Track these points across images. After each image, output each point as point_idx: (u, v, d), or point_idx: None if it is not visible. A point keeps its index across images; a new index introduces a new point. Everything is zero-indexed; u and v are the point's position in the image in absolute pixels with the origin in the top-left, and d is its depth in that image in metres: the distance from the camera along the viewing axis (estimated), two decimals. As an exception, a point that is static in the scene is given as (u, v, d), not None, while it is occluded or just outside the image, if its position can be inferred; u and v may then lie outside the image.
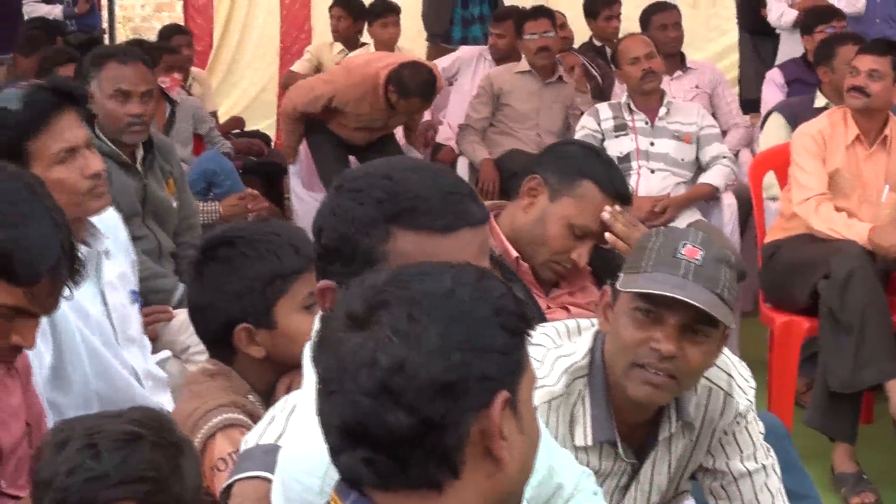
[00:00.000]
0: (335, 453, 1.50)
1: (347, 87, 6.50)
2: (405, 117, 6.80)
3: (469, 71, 7.60)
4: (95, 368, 3.04)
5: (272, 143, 7.82)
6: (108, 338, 3.18)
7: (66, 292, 2.46)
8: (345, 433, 1.45)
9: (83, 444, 1.80)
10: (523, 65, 6.80)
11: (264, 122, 8.33)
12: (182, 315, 3.96)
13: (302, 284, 2.44)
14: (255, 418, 2.33)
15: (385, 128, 6.74)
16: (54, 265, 2.32)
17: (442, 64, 7.50)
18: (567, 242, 3.07)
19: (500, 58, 7.38)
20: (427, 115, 7.34)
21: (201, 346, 3.87)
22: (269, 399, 2.46)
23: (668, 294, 2.26)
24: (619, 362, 2.26)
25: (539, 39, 6.64)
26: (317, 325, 1.82)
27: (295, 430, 2.00)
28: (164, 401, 3.33)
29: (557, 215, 3.04)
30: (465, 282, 1.45)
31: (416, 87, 6.25)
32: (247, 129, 7.94)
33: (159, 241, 4.39)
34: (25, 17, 8.16)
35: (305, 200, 6.74)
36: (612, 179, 3.19)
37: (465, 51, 7.87)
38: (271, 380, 2.50)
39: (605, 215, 3.14)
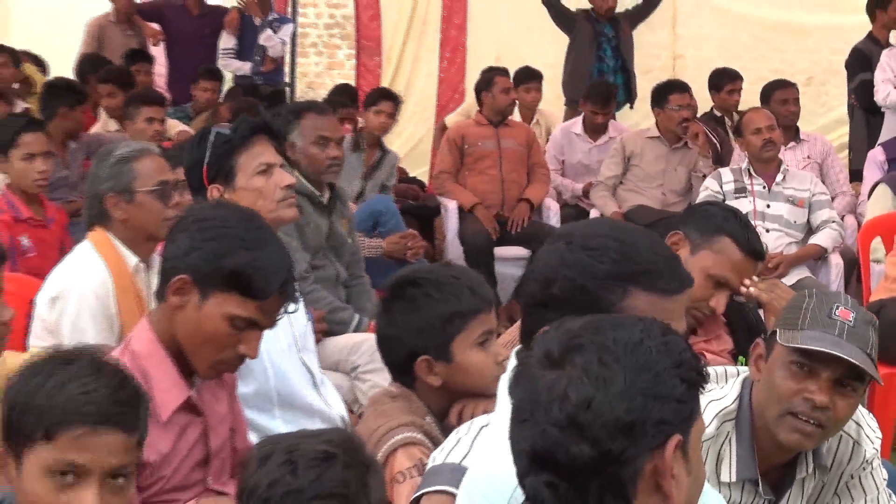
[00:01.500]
0: (522, 475, 1.55)
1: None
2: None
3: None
4: (276, 369, 3.11)
5: (425, 189, 7.99)
6: (289, 344, 3.23)
7: (290, 307, 2.62)
8: (533, 458, 1.50)
9: (283, 459, 1.85)
10: (653, 131, 6.95)
11: (419, 170, 8.50)
12: (354, 338, 4.27)
13: (477, 324, 2.50)
14: (432, 438, 2.40)
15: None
16: (283, 284, 2.48)
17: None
18: (706, 291, 3.09)
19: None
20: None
21: (368, 367, 4.06)
22: (442, 421, 2.51)
23: (827, 350, 2.26)
24: (771, 410, 2.26)
25: (683, 111, 6.84)
26: (513, 360, 1.94)
27: (483, 453, 2.02)
28: (333, 402, 3.38)
29: (698, 267, 3.01)
30: (653, 335, 1.50)
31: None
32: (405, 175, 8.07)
33: (337, 271, 4.59)
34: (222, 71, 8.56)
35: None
36: (748, 238, 3.22)
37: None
38: (445, 404, 2.53)
39: (746, 289, 3.21)
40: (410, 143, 8.85)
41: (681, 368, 1.49)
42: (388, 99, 7.17)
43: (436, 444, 2.36)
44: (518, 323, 3.14)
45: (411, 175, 8.20)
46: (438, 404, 2.52)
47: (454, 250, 6.94)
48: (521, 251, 6.80)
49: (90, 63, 7.95)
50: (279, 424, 2.95)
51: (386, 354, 2.63)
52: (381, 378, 3.50)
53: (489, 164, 6.99)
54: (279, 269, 2.50)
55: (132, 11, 8.86)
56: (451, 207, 7.08)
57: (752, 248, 3.23)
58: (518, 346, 2.15)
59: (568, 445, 1.44)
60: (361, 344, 4.14)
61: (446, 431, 2.41)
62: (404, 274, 2.76)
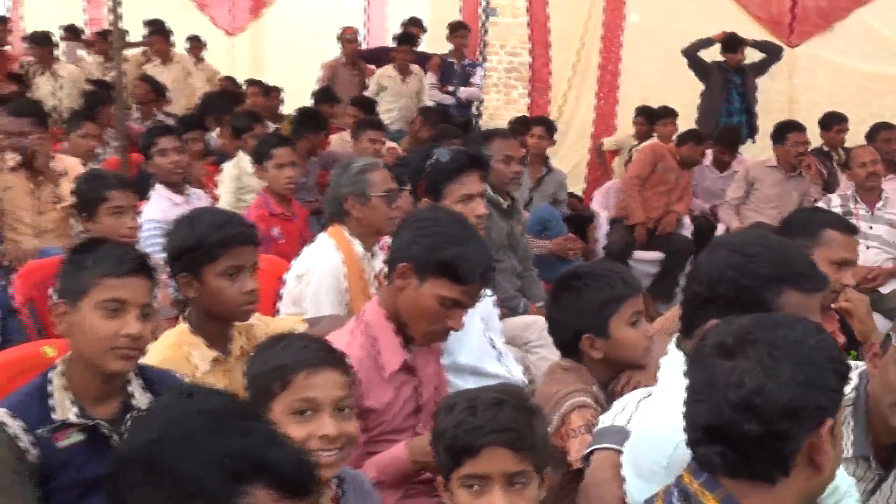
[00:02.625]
0: (694, 444, 1.53)
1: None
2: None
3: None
4: (467, 345, 3.08)
5: (582, 201, 7.93)
6: (479, 322, 3.20)
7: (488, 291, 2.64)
8: (707, 431, 1.49)
9: (465, 406, 1.83)
10: (772, 161, 6.71)
11: (577, 186, 8.38)
12: (527, 318, 4.23)
13: (629, 306, 2.45)
14: (599, 403, 2.37)
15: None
16: (483, 272, 2.49)
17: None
18: (833, 275, 2.87)
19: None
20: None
21: (538, 342, 4.00)
22: (606, 389, 2.48)
23: None
24: (885, 399, 2.13)
25: (798, 146, 6.63)
26: (672, 347, 1.98)
27: (646, 418, 1.99)
28: (514, 371, 3.32)
29: (819, 260, 2.77)
30: (811, 334, 1.50)
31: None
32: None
33: (513, 264, 4.54)
34: (427, 102, 8.71)
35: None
36: (841, 220, 3.15)
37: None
38: (607, 375, 2.48)
39: (842, 304, 3.12)
40: (571, 164, 8.75)
41: (833, 363, 1.49)
42: (541, 124, 7.19)
43: (602, 408, 2.34)
44: (669, 313, 3.11)
45: (571, 191, 8.14)
46: (602, 375, 2.48)
47: (601, 253, 6.88)
48: (655, 255, 6.79)
49: (324, 95, 8.09)
50: (471, 386, 2.89)
51: (555, 334, 2.60)
52: (549, 352, 3.48)
53: (663, 187, 6.91)
54: (481, 261, 2.50)
55: (357, 56, 9.02)
56: (602, 217, 7.04)
57: (849, 225, 3.13)
58: (676, 335, 2.11)
59: (741, 424, 1.45)
60: (533, 323, 4.08)
61: (610, 398, 2.41)
62: (569, 270, 2.77)
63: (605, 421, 2.18)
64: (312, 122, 6.47)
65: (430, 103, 8.62)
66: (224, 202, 5.52)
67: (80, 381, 2.15)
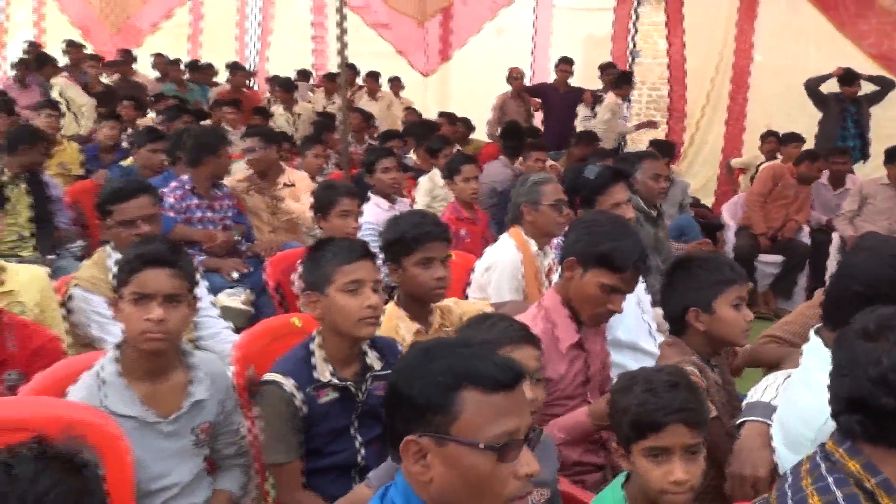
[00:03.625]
0: (837, 414, 1.48)
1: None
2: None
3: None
4: (626, 325, 2.97)
5: (712, 211, 7.68)
6: (635, 305, 3.09)
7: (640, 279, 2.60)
8: (849, 403, 1.44)
9: (646, 388, 1.80)
10: (884, 179, 6.27)
11: (707, 199, 8.19)
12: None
13: (733, 290, 2.34)
14: (698, 369, 2.28)
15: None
16: (636, 262, 2.43)
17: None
18: None
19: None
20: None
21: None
22: (707, 361, 2.38)
23: None
24: None
25: None
26: (813, 337, 1.91)
27: (793, 397, 1.90)
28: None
29: None
30: None
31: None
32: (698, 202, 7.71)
33: (657, 264, 4.28)
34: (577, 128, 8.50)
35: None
36: None
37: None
38: (705, 349, 2.37)
39: None
40: (703, 180, 8.53)
41: None
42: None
43: (702, 373, 2.28)
44: (798, 311, 2.96)
45: (703, 202, 7.93)
46: (701, 348, 2.38)
47: (729, 255, 6.58)
48: (776, 258, 6.50)
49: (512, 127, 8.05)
50: (629, 362, 2.84)
51: (666, 307, 2.49)
52: None
53: (782, 201, 6.63)
54: (634, 252, 2.44)
55: (522, 90, 9.00)
56: (731, 226, 6.78)
57: None
58: (817, 325, 2.01)
59: (878, 397, 1.40)
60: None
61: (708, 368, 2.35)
62: (684, 256, 2.78)
63: (751, 397, 2.09)
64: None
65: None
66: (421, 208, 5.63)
67: (332, 349, 2.22)
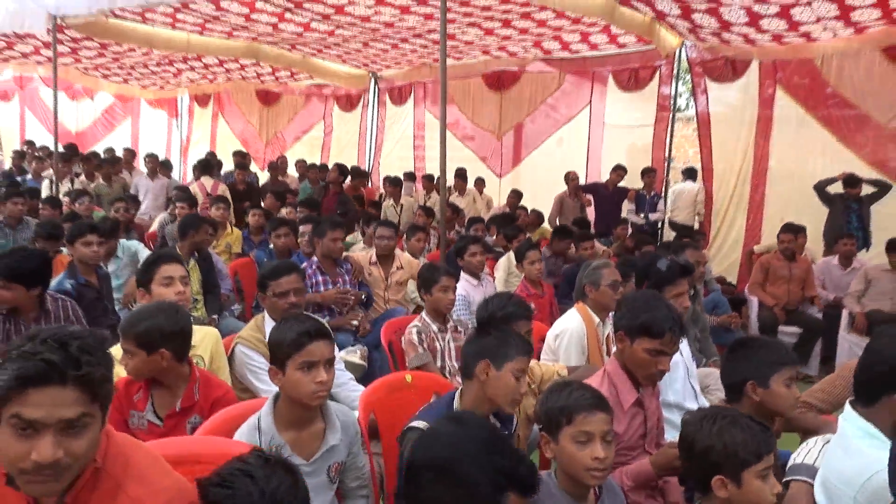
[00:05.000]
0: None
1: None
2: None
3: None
4: (674, 388, 2.89)
5: (736, 288, 7.39)
6: (683, 370, 2.98)
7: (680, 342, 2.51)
8: None
9: (718, 426, 1.74)
10: (886, 265, 5.90)
11: (732, 278, 7.87)
12: (704, 370, 3.82)
13: (787, 371, 2.20)
14: None
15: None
16: (671, 326, 2.32)
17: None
18: None
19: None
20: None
21: (714, 387, 3.57)
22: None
23: None
24: None
25: None
26: (847, 407, 1.72)
27: (834, 460, 1.78)
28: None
29: None
30: None
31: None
32: (724, 281, 7.61)
33: (695, 333, 4.23)
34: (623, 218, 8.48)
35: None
36: None
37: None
38: (757, 416, 2.09)
39: None
40: (728, 262, 8.26)
41: None
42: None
43: None
44: (827, 381, 2.77)
45: (728, 281, 7.64)
46: (753, 415, 2.13)
47: (753, 326, 6.29)
48: (794, 329, 6.13)
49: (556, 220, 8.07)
50: (678, 419, 2.70)
51: (725, 378, 2.36)
52: (722, 394, 3.16)
53: (780, 281, 6.33)
54: (667, 320, 2.34)
55: (577, 190, 8.95)
56: (754, 301, 6.47)
57: None
58: (850, 399, 1.87)
59: None
60: (711, 373, 3.78)
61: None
62: (747, 337, 2.77)
63: (795, 459, 1.96)
64: (565, 236, 6.47)
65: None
66: (499, 284, 5.58)
67: (470, 405, 2.19)
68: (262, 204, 7.54)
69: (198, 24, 7.84)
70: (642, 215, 8.52)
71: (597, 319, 3.57)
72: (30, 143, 12.30)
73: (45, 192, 8.23)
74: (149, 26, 8.01)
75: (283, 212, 7.18)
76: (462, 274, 4.74)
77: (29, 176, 9.68)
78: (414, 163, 11.01)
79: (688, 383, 2.99)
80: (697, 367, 3.98)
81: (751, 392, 2.21)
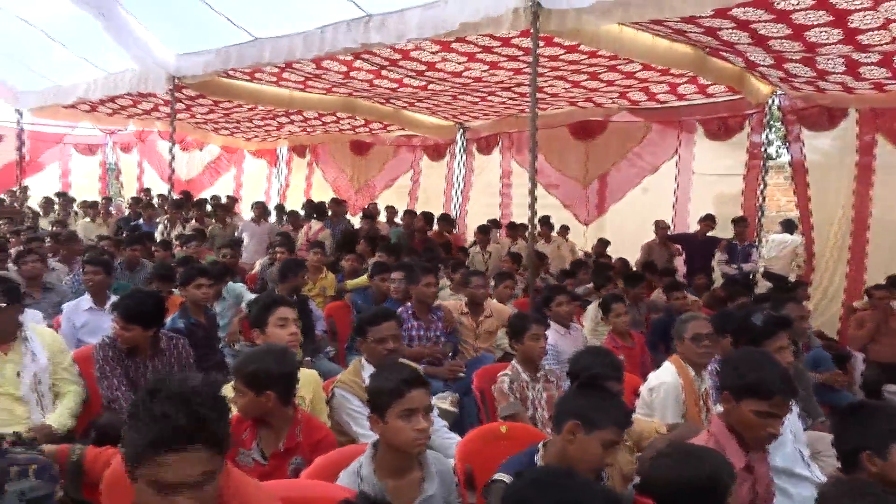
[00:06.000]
0: None
1: None
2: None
3: None
4: (782, 454, 2.68)
5: (838, 343, 6.87)
6: (790, 436, 2.74)
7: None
8: None
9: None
10: None
11: (832, 332, 7.43)
12: (813, 434, 3.52)
13: None
14: None
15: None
16: (781, 386, 2.20)
17: None
18: None
19: None
20: None
21: (826, 453, 3.18)
22: None
23: None
24: None
25: None
26: None
27: None
28: (818, 473, 2.74)
29: None
30: None
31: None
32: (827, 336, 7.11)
33: (802, 392, 3.97)
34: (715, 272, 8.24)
35: None
36: None
37: None
38: None
39: None
40: (828, 315, 7.76)
41: None
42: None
43: None
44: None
45: (829, 336, 7.16)
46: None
47: (857, 385, 5.85)
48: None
49: (644, 267, 7.82)
50: (788, 486, 2.58)
51: (839, 446, 2.17)
52: (833, 461, 2.89)
53: (888, 338, 5.96)
54: (776, 380, 2.21)
55: (666, 238, 8.70)
56: (858, 357, 6.04)
57: None
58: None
59: None
60: (821, 438, 3.50)
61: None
62: (858, 401, 2.40)
63: None
64: (639, 282, 6.32)
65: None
66: (587, 334, 5.45)
67: (552, 461, 2.12)
68: (356, 249, 7.71)
69: (300, 81, 8.27)
70: (735, 266, 8.16)
71: (693, 373, 3.41)
72: (146, 191, 13.18)
73: (158, 236, 8.75)
74: (256, 84, 8.51)
75: (375, 257, 7.32)
76: (550, 323, 4.66)
77: (142, 220, 10.33)
78: (500, 210, 11.04)
79: (795, 448, 2.79)
80: (805, 428, 3.77)
81: (867, 463, 2.04)
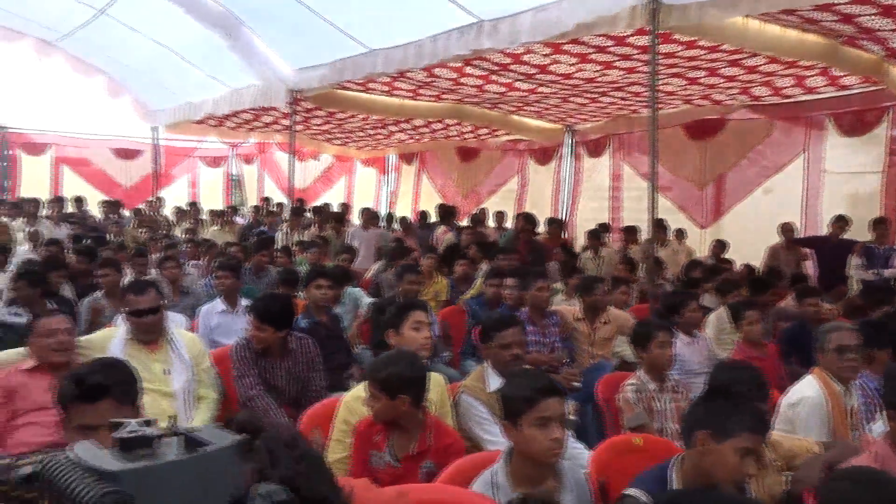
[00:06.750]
0: None
1: None
2: None
3: None
4: None
5: None
6: None
7: None
8: None
9: None
10: None
11: None
12: None
13: None
14: None
15: None
16: None
17: None
18: None
19: None
20: None
21: None
22: None
23: None
24: None
25: None
26: None
27: None
28: None
29: None
30: None
31: None
32: None
33: None
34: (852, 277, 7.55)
35: None
36: None
37: None
38: None
39: None
40: None
41: None
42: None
43: None
44: None
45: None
46: None
47: None
48: None
49: (770, 273, 7.27)
50: None
51: None
52: None
53: None
54: None
55: (793, 242, 8.14)
56: None
57: None
58: None
59: None
60: None
61: None
62: None
63: None
64: (761, 288, 5.95)
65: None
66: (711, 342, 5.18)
67: (691, 480, 2.01)
68: (468, 254, 7.74)
69: (411, 89, 8.42)
70: (874, 271, 7.50)
71: (839, 387, 3.15)
72: (266, 199, 13.91)
73: (279, 242, 9.17)
74: (369, 94, 8.76)
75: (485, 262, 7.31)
76: (676, 331, 4.46)
77: (263, 227, 10.89)
78: (609, 213, 10.77)
79: None
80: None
81: None
